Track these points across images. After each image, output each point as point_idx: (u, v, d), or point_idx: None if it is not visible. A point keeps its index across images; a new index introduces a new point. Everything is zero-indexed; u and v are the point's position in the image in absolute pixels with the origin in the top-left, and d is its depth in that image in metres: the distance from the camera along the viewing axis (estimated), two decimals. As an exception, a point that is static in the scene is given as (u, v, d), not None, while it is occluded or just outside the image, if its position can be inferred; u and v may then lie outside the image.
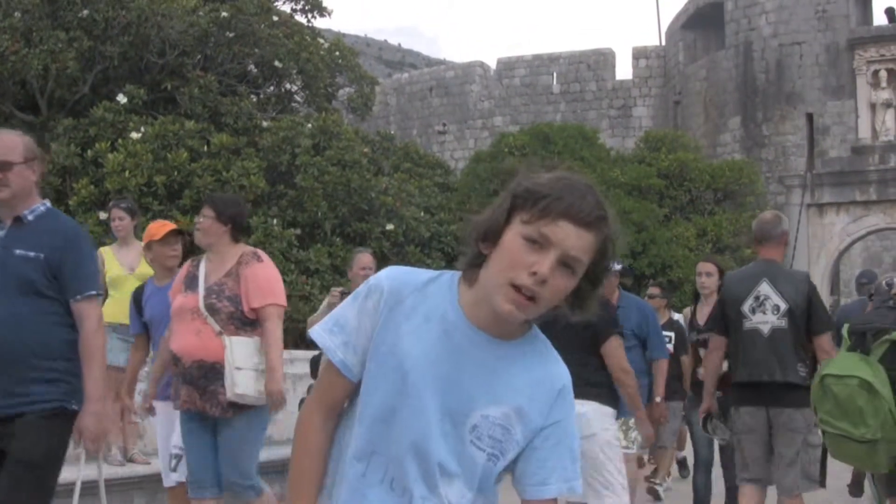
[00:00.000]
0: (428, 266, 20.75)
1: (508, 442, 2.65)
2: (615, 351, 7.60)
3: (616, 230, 2.59)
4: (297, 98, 26.05)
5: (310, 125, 21.38)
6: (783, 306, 7.84)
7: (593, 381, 7.44)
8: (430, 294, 2.70)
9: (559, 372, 2.74)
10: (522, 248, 2.50)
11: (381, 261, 22.00)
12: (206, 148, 19.45)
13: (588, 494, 7.44)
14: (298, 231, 19.26)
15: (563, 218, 2.49)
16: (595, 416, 7.49)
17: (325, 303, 11.09)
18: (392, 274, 2.74)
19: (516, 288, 2.50)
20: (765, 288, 7.96)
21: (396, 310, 2.66)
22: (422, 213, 22.89)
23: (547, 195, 2.51)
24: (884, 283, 8.77)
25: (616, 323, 7.77)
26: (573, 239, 2.49)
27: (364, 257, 10.59)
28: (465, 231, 2.69)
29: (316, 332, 2.73)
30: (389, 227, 20.75)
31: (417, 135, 45.57)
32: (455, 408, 2.62)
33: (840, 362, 5.89)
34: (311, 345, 10.94)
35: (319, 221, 19.88)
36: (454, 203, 27.17)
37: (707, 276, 10.53)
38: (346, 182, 20.13)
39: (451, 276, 2.74)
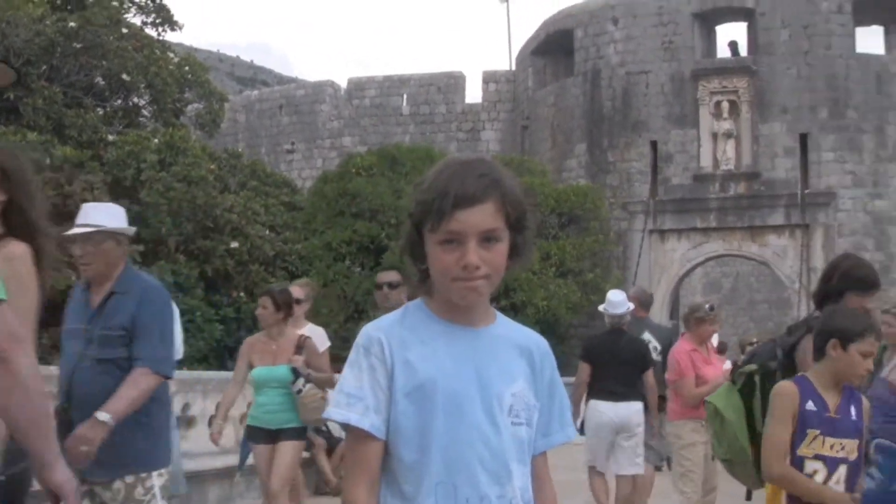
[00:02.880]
0: (271, 283, 20.64)
1: (531, 409, 2.84)
2: (650, 377, 11.54)
3: (512, 179, 2.74)
4: (145, 112, 25.73)
5: (156, 140, 21.13)
6: (659, 347, 12.43)
7: (641, 392, 11.45)
8: (410, 324, 2.82)
9: (538, 337, 2.97)
10: (443, 251, 2.67)
11: (225, 279, 21.82)
12: (48, 161, 19.06)
13: (624, 464, 11.42)
14: (142, 247, 18.95)
15: (456, 209, 2.63)
16: (642, 413, 11.44)
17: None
18: (374, 326, 2.85)
19: (460, 280, 2.68)
20: (647, 335, 12.46)
21: (399, 350, 2.76)
22: (267, 232, 22.75)
23: (433, 198, 2.67)
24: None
25: (650, 361, 11.76)
26: (476, 218, 2.65)
27: None
28: (404, 266, 2.86)
29: (331, 412, 2.77)
30: (234, 245, 20.57)
31: (266, 153, 45.34)
32: (491, 400, 2.76)
33: (718, 390, 6.35)
34: None
35: (163, 238, 19.63)
36: (300, 222, 27.09)
37: None
38: (192, 199, 19.94)
39: (414, 303, 2.89)
